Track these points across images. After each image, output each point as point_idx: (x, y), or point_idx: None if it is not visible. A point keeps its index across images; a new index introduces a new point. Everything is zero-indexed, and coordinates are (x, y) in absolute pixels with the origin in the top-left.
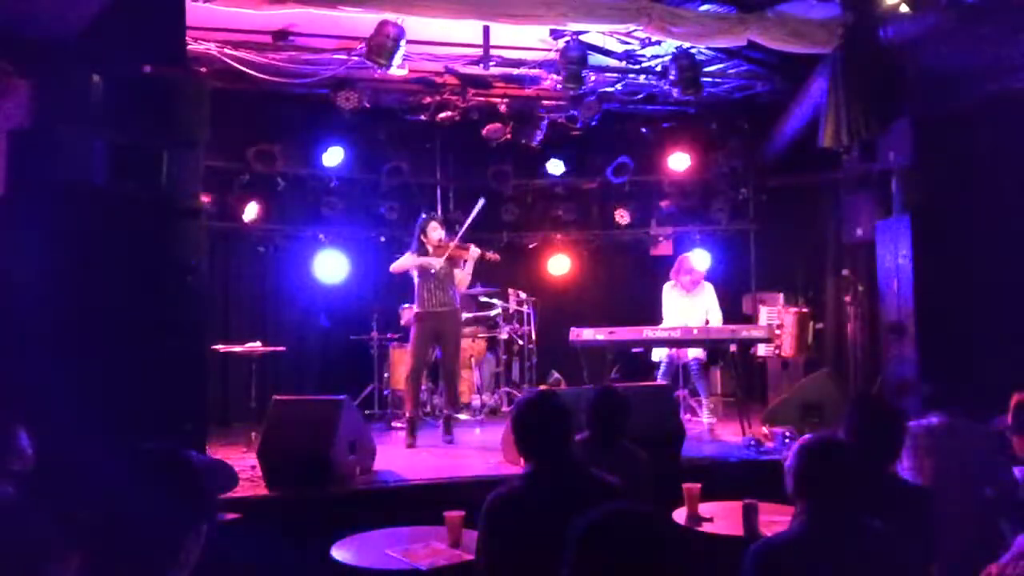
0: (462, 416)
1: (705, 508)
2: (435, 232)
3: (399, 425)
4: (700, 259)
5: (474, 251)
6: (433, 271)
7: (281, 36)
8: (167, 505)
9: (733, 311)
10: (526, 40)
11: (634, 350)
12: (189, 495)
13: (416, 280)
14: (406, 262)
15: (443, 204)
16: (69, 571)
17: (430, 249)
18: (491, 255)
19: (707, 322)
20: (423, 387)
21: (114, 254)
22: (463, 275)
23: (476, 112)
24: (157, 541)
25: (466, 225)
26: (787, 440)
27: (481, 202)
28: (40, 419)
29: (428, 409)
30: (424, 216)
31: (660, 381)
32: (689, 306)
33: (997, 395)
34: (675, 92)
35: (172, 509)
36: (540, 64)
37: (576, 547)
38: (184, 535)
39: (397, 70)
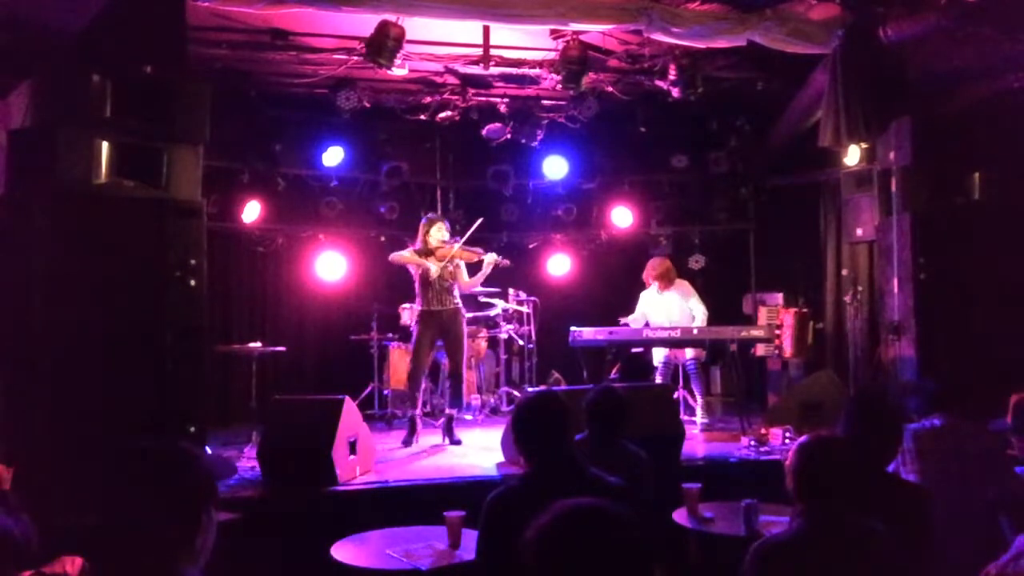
0: (467, 416)
1: (705, 508)
2: (439, 232)
3: (400, 425)
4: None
5: (490, 257)
6: (431, 278)
7: (281, 36)
8: (170, 495)
9: (733, 311)
10: (526, 40)
11: (634, 350)
12: (191, 484)
13: (418, 280)
14: (405, 257)
15: (443, 204)
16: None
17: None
18: (503, 261)
19: (693, 318)
20: (423, 387)
21: (114, 254)
22: (474, 280)
23: (476, 112)
24: (165, 530)
25: (468, 233)
26: (787, 440)
27: (480, 221)
28: (40, 419)
29: (428, 409)
30: (430, 215)
31: (659, 381)
32: (666, 303)
33: (997, 395)
34: (675, 92)
35: (175, 499)
36: (540, 64)
37: (532, 556)
38: (189, 523)
39: (397, 70)
